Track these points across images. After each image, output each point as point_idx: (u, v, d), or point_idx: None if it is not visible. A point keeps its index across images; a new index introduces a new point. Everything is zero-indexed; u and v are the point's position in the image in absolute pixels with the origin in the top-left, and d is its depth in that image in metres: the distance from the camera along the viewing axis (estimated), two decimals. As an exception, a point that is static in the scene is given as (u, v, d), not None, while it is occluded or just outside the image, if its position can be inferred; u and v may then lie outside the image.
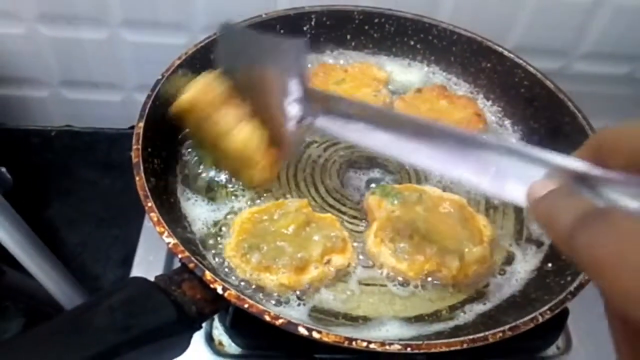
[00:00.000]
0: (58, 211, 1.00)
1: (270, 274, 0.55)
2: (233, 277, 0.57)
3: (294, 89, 0.54)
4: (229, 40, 0.62)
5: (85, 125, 1.05)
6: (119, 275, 0.97)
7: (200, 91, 0.59)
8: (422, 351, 0.47)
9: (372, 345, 0.47)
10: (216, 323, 0.65)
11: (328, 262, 0.58)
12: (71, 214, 1.00)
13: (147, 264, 0.68)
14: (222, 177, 0.66)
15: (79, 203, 1.01)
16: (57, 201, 1.01)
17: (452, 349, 0.47)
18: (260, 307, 0.48)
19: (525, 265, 0.62)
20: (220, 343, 0.64)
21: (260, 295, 0.56)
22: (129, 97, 0.99)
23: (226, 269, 0.57)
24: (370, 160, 0.70)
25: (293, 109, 0.54)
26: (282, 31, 0.77)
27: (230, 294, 0.48)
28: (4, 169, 0.86)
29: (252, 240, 0.57)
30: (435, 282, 0.59)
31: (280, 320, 0.47)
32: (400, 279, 0.59)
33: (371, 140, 0.51)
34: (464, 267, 0.58)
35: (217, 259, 0.58)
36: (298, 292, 0.57)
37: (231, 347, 0.64)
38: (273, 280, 0.55)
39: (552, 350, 0.67)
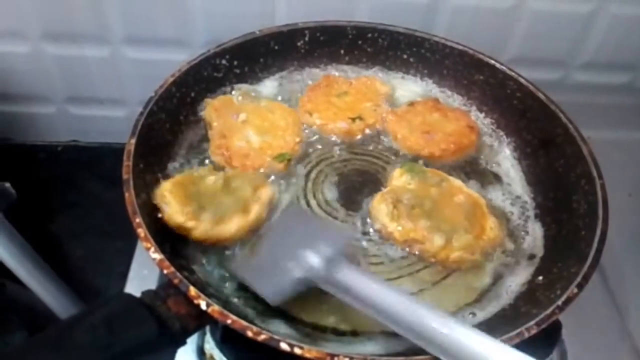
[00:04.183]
0: (63, 224, 1.01)
1: (226, 224, 0.60)
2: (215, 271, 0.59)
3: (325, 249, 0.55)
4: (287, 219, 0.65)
5: (91, 140, 1.08)
6: (122, 288, 0.98)
7: None
8: (403, 366, 0.47)
9: (354, 361, 0.47)
10: (208, 337, 0.65)
11: (259, 197, 0.63)
12: (76, 227, 1.02)
13: (141, 278, 0.69)
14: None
15: (83, 216, 1.03)
16: (63, 214, 1.03)
17: (435, 364, 0.47)
18: (243, 322, 0.48)
19: (516, 278, 0.62)
20: (212, 357, 0.64)
21: (248, 309, 0.56)
22: (133, 112, 0.99)
23: (219, 277, 0.59)
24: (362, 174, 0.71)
25: (314, 258, 0.55)
26: (276, 47, 0.78)
27: (214, 309, 0.49)
28: (8, 184, 0.87)
29: (194, 203, 0.60)
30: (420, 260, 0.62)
31: (263, 336, 0.47)
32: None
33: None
34: (448, 249, 0.60)
35: (207, 269, 0.60)
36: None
37: (222, 361, 0.64)
38: (230, 229, 0.60)
39: (546, 365, 0.66)
